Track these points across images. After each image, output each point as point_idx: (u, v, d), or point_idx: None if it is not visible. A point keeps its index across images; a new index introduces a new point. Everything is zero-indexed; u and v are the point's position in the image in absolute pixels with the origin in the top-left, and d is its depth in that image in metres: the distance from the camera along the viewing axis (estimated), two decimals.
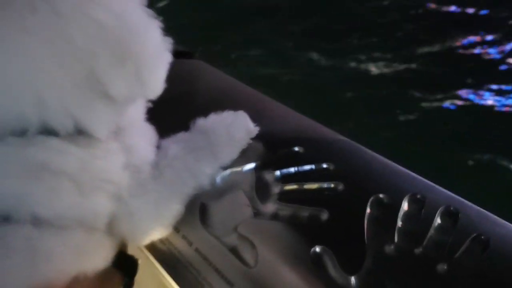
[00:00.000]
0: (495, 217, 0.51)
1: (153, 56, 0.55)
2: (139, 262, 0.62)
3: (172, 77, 0.57)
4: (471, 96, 2.87)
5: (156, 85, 0.57)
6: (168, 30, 0.58)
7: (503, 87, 2.91)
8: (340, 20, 3.64)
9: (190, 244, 0.60)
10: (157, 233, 0.62)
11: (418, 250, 0.48)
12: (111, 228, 0.58)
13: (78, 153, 0.53)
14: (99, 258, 0.57)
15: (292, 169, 0.59)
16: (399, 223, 0.50)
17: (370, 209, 0.52)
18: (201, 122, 0.64)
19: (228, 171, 0.61)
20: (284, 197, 0.57)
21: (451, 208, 0.50)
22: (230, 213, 0.59)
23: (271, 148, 0.63)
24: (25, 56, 0.50)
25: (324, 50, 3.34)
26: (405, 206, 0.51)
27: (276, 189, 0.58)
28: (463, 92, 2.90)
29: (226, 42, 3.46)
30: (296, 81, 3.08)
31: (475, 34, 3.41)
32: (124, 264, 0.60)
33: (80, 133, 0.54)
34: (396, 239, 0.49)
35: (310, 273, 0.50)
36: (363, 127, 2.58)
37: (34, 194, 0.52)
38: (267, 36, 3.54)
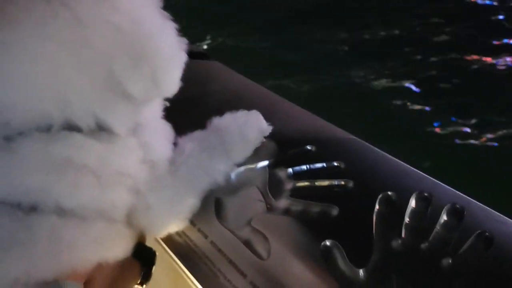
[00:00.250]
0: (500, 215, 0.53)
1: (168, 57, 0.58)
2: (157, 253, 0.65)
3: (188, 78, 0.60)
4: None
5: (172, 85, 0.60)
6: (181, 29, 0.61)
7: None
8: None
9: (206, 237, 0.63)
10: (173, 226, 0.65)
11: (424, 245, 0.50)
12: (130, 220, 0.61)
13: (99, 149, 0.56)
14: (119, 248, 0.60)
15: (304, 167, 0.62)
16: (406, 220, 0.52)
17: (379, 205, 0.54)
18: (216, 121, 0.67)
19: (242, 168, 0.64)
20: (296, 193, 0.60)
21: (457, 206, 0.52)
22: (244, 208, 0.61)
23: (284, 147, 0.65)
24: (48, 59, 0.53)
25: None
26: (412, 203, 0.53)
27: (288, 186, 0.61)
28: None
29: None
30: None
31: None
32: (143, 255, 0.63)
33: (101, 130, 0.57)
34: (403, 235, 0.51)
35: (320, 266, 0.53)
36: None
37: (59, 186, 0.55)
38: None
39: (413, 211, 0.53)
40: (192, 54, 0.62)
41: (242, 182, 0.63)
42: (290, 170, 0.62)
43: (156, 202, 0.61)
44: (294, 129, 0.69)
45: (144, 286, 0.63)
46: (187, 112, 0.72)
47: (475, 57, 3.53)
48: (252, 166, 0.64)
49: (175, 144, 0.65)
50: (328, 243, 0.53)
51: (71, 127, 0.55)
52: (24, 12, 0.52)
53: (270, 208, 0.60)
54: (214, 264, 0.61)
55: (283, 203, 0.59)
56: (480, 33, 3.77)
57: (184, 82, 0.60)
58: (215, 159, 0.63)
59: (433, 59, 3.59)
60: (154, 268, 0.64)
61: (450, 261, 0.48)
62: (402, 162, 0.61)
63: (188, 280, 0.64)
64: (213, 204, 0.63)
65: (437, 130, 2.90)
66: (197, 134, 0.66)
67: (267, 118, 0.68)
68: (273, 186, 0.61)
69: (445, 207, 0.52)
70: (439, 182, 0.58)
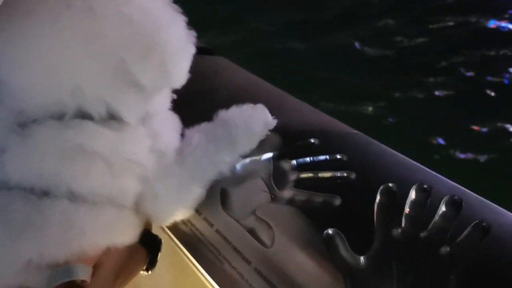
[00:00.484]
0: (497, 206, 0.55)
1: (177, 49, 0.60)
2: (162, 241, 0.67)
3: (195, 72, 0.62)
4: None
5: (180, 76, 0.61)
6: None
7: None
8: None
9: (211, 225, 0.65)
10: (179, 214, 0.67)
11: (423, 234, 0.52)
12: (137, 207, 0.63)
13: (110, 136, 0.58)
14: (127, 234, 0.62)
15: (307, 159, 0.64)
16: (406, 210, 0.54)
17: (380, 196, 0.56)
18: (222, 114, 0.68)
19: (247, 160, 0.66)
20: (300, 184, 0.61)
21: (455, 197, 0.54)
22: (249, 198, 0.63)
23: (288, 140, 0.67)
24: (62, 49, 0.55)
25: None
26: (412, 194, 0.55)
27: (292, 177, 0.62)
28: None
29: None
30: None
31: None
32: (149, 242, 0.65)
33: (111, 118, 0.58)
34: (403, 224, 0.53)
35: (322, 253, 0.55)
36: None
37: (71, 172, 0.57)
38: None
39: (413, 202, 0.54)
40: (198, 50, 0.64)
41: (247, 173, 0.65)
42: (294, 162, 0.64)
43: (163, 191, 0.63)
44: (298, 123, 0.71)
45: (150, 272, 0.65)
46: (193, 106, 0.74)
47: None
48: (257, 158, 0.66)
49: (182, 135, 0.67)
50: (330, 231, 0.55)
51: (83, 115, 0.57)
52: (39, 3, 0.54)
53: (274, 198, 0.62)
54: (219, 252, 0.63)
55: (287, 193, 0.61)
56: None
57: (191, 76, 0.62)
58: (221, 151, 0.65)
59: None
60: (159, 255, 0.66)
61: (448, 250, 0.50)
62: (402, 156, 0.63)
63: (193, 267, 0.66)
64: (219, 194, 0.65)
65: None
66: (204, 126, 0.68)
67: (272, 112, 0.69)
68: (277, 177, 0.63)
69: (444, 199, 0.54)
70: (439, 175, 0.59)
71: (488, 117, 2.78)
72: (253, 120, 0.68)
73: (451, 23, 3.63)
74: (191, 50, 0.61)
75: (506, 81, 3.09)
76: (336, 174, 0.61)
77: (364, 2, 4.01)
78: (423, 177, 0.59)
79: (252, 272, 0.58)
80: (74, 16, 0.54)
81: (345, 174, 0.60)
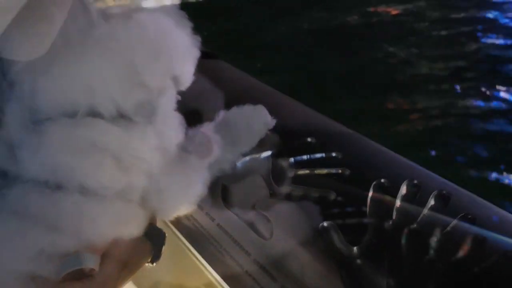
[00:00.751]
0: (482, 200, 0.58)
1: (183, 52, 0.63)
2: (166, 235, 0.70)
3: (197, 75, 0.65)
4: None
5: (186, 78, 0.65)
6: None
7: None
8: None
9: (213, 220, 0.68)
10: (182, 209, 0.70)
11: (413, 226, 0.55)
12: (143, 202, 0.65)
13: (119, 134, 0.61)
14: (133, 226, 0.64)
15: (304, 157, 0.67)
16: (398, 203, 0.57)
17: (373, 191, 0.59)
18: (224, 114, 0.72)
19: (247, 157, 0.69)
20: (297, 180, 0.65)
21: (444, 192, 0.57)
22: (249, 194, 0.66)
23: (286, 138, 0.71)
24: (76, 51, 0.58)
25: None
26: (403, 190, 0.58)
27: (290, 173, 0.66)
28: None
29: None
30: None
31: None
32: (154, 236, 0.68)
33: (121, 117, 0.61)
34: (394, 217, 0.56)
35: (318, 244, 0.58)
36: None
37: (83, 167, 0.59)
38: None
39: (404, 196, 0.58)
40: (202, 54, 0.67)
41: (247, 170, 0.69)
42: (291, 159, 0.67)
43: (167, 186, 0.66)
44: (295, 122, 0.75)
45: (154, 264, 0.68)
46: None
47: None
48: (257, 155, 0.69)
49: (186, 133, 0.71)
50: (325, 224, 0.58)
51: (95, 114, 0.59)
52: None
53: (273, 194, 0.65)
54: (221, 245, 0.66)
55: (285, 189, 0.64)
56: None
57: (194, 79, 0.65)
58: (223, 149, 0.68)
59: None
60: (164, 248, 0.69)
61: (436, 240, 0.53)
62: (395, 153, 0.66)
63: (195, 260, 0.69)
64: (220, 190, 0.68)
65: None
66: (207, 125, 0.71)
67: (271, 113, 0.73)
68: (276, 174, 0.66)
69: (433, 193, 0.57)
70: (430, 172, 0.63)
71: None
72: (253, 120, 0.71)
73: None
74: (196, 54, 0.65)
75: None
76: (331, 171, 0.64)
77: None
78: (414, 173, 0.62)
79: (252, 263, 0.62)
80: (89, 21, 0.58)
81: (340, 171, 0.64)
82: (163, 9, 0.63)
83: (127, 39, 0.59)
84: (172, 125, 0.68)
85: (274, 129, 0.72)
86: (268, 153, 0.69)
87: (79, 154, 0.59)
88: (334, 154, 0.66)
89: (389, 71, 4.00)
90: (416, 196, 0.58)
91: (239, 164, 0.69)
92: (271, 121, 0.72)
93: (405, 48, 4.28)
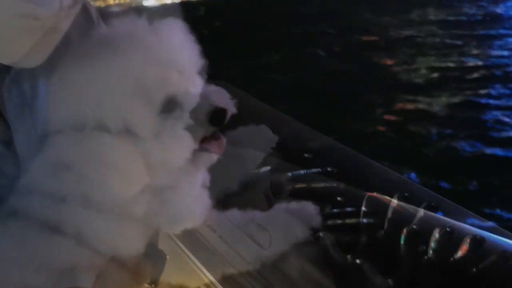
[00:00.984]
0: (467, 211, 0.61)
1: (189, 72, 0.65)
2: (168, 247, 0.72)
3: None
4: None
5: (190, 98, 0.65)
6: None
7: None
8: None
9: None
10: (188, 224, 0.71)
11: (403, 235, 0.58)
12: (146, 218, 0.67)
13: (124, 148, 0.63)
14: (133, 244, 0.66)
15: (301, 171, 0.71)
16: (389, 215, 0.60)
17: (366, 203, 0.62)
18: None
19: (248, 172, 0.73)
20: (295, 194, 0.68)
21: (432, 203, 0.60)
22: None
23: (285, 154, 0.74)
24: (87, 70, 0.62)
25: None
26: (394, 201, 0.61)
27: (288, 187, 0.69)
28: None
29: None
30: None
31: None
32: (154, 256, 0.70)
33: (127, 132, 0.63)
34: (385, 227, 0.60)
35: (314, 253, 0.61)
36: None
37: (88, 178, 0.61)
38: None
39: (395, 208, 0.61)
40: (206, 75, 0.70)
41: (248, 184, 0.72)
42: (289, 174, 0.71)
43: (172, 201, 0.67)
44: (294, 140, 0.79)
45: (153, 286, 0.70)
46: None
47: None
48: (257, 171, 0.73)
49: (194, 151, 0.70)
50: (321, 234, 0.62)
51: (102, 128, 0.62)
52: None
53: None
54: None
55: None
56: None
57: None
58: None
59: None
60: (167, 263, 0.71)
61: (423, 248, 0.56)
62: (386, 168, 0.70)
63: (198, 270, 0.72)
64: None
65: None
66: (253, 214, 0.69)
67: (272, 131, 0.77)
68: (274, 188, 0.70)
69: (422, 204, 0.60)
70: (420, 185, 0.66)
71: None
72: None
73: None
74: (201, 75, 0.68)
75: None
76: (327, 185, 0.68)
77: None
78: (405, 186, 0.66)
79: (252, 272, 0.65)
80: (99, 43, 0.62)
81: (334, 185, 0.67)
82: (168, 23, 0.66)
83: (134, 58, 0.62)
84: (179, 143, 0.68)
85: (275, 146, 0.76)
86: (267, 168, 0.72)
87: (85, 166, 0.61)
88: (329, 169, 0.70)
89: None
90: (406, 208, 0.61)
91: (240, 178, 0.72)
92: (274, 138, 0.76)
93: None
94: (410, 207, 0.61)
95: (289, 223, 0.66)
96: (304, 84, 5.14)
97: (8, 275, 0.60)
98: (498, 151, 3.75)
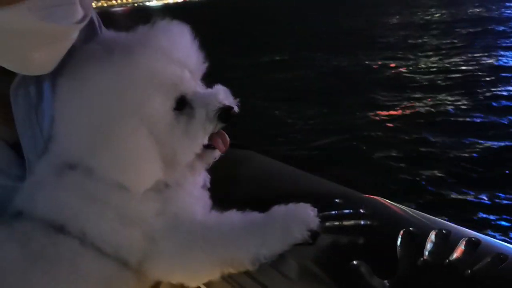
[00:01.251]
0: None
1: (197, 71, 0.70)
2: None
3: (228, 163, 0.72)
4: None
5: (200, 96, 0.68)
6: None
7: None
8: None
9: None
10: (183, 276, 0.68)
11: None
12: (142, 266, 0.65)
13: (118, 193, 0.64)
14: (136, 245, 0.64)
15: (333, 212, 0.70)
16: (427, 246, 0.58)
17: (402, 236, 0.60)
18: (275, 208, 0.68)
19: None
20: (327, 231, 0.67)
21: (473, 239, 0.58)
22: None
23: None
24: (110, 71, 0.64)
25: None
26: (432, 237, 0.59)
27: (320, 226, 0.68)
28: None
29: None
30: None
31: None
32: None
33: (145, 125, 0.64)
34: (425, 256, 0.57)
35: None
36: None
37: (85, 213, 0.63)
38: None
39: (433, 245, 0.58)
40: (232, 144, 0.73)
41: None
42: (320, 214, 0.69)
43: (174, 199, 0.67)
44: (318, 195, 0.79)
45: None
46: (226, 191, 0.81)
47: None
48: None
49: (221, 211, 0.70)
50: (355, 262, 0.59)
51: (120, 121, 0.63)
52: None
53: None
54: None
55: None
56: None
57: (224, 166, 0.71)
58: (249, 240, 0.65)
59: None
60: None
61: (468, 273, 0.53)
62: (418, 211, 0.70)
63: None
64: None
65: None
66: (251, 214, 0.68)
67: (297, 189, 0.77)
68: None
69: (462, 240, 0.58)
70: (450, 223, 0.65)
71: None
72: (292, 219, 0.66)
73: None
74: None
75: None
76: (359, 222, 0.67)
77: None
78: (433, 225, 0.65)
79: (250, 272, 0.64)
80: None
81: (368, 222, 0.66)
82: (177, 24, 0.71)
83: (153, 55, 0.65)
84: (191, 137, 0.68)
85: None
86: None
87: (84, 201, 0.63)
88: (361, 210, 0.69)
89: None
90: (445, 243, 0.59)
91: None
92: (314, 220, 0.66)
93: None
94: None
95: (287, 224, 0.64)
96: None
97: (14, 274, 0.58)
98: None
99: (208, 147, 0.69)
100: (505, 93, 5.29)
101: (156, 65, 0.65)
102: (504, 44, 7.26)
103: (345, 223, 0.67)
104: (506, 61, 6.19)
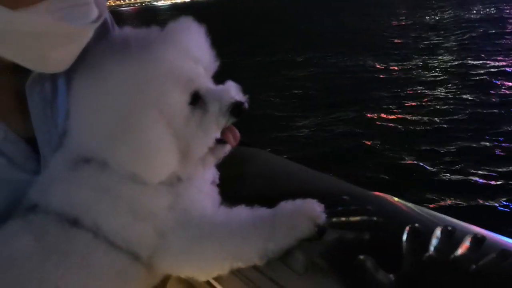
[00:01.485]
0: None
1: (210, 67, 0.71)
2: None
3: (235, 160, 0.73)
4: None
5: (212, 92, 0.69)
6: None
7: None
8: None
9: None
10: (192, 270, 0.68)
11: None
12: (152, 261, 0.67)
13: (132, 187, 0.65)
14: (148, 239, 0.65)
15: (339, 208, 0.70)
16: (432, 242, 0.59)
17: (408, 232, 0.61)
18: (283, 204, 0.68)
19: None
20: (333, 226, 0.68)
21: (479, 236, 0.58)
22: None
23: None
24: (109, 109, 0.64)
25: None
26: (437, 233, 0.60)
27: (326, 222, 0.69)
28: None
29: None
30: None
31: None
32: None
33: (163, 117, 0.65)
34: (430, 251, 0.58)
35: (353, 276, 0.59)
36: None
37: (99, 207, 0.64)
38: None
39: (438, 241, 0.59)
40: (240, 143, 0.74)
41: None
42: (327, 210, 0.70)
43: (184, 195, 0.68)
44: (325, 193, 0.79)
45: None
46: (233, 188, 0.82)
47: None
48: None
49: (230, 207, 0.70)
50: (361, 257, 0.60)
51: (140, 113, 0.63)
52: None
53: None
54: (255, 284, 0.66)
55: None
56: None
57: (231, 164, 0.72)
58: (258, 235, 0.65)
59: None
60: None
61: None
62: (424, 208, 0.70)
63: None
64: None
65: None
66: (260, 210, 0.69)
67: (304, 188, 0.77)
68: None
69: (467, 236, 0.59)
70: (456, 220, 0.66)
71: None
72: (298, 214, 0.66)
73: None
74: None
75: None
76: (365, 218, 0.67)
77: None
78: (440, 222, 0.66)
79: (258, 267, 0.65)
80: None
81: (374, 218, 0.67)
82: (190, 22, 0.72)
83: (172, 50, 0.67)
84: (205, 131, 0.69)
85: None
86: None
87: (96, 195, 0.64)
88: (368, 207, 0.70)
89: None
90: (449, 240, 0.60)
91: None
92: (319, 216, 0.66)
93: None
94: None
95: (294, 219, 0.65)
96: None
97: (29, 266, 0.59)
98: None
99: (220, 141, 0.71)
100: None
101: (174, 60, 0.66)
102: None
103: (352, 219, 0.68)
104: None
